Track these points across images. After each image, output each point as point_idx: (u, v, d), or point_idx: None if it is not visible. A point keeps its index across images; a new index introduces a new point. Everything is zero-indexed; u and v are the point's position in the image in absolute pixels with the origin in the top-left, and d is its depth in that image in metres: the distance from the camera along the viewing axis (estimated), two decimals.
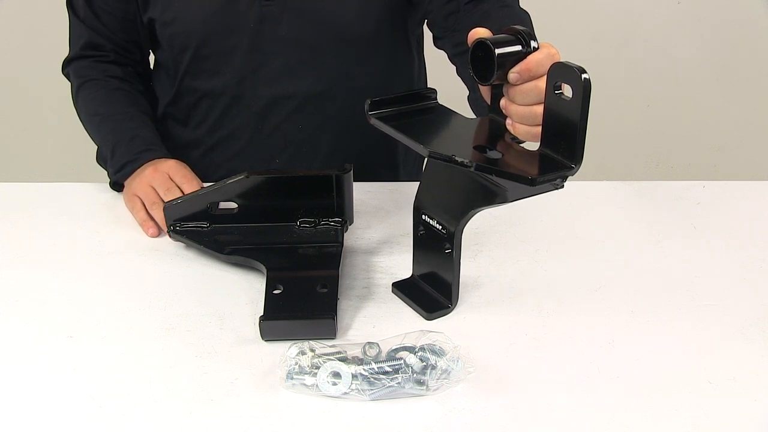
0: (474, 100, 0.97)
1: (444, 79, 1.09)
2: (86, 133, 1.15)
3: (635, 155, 2.48)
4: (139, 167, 1.04)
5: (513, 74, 0.72)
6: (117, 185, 1.07)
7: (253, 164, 1.17)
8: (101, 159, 1.14)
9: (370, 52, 1.12)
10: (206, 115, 1.17)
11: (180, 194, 0.97)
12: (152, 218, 0.98)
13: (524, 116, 0.73)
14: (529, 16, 1.01)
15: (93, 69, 1.15)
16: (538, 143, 0.72)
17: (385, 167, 1.24)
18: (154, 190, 0.99)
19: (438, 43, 1.11)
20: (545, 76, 0.69)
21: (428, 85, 1.27)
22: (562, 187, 0.70)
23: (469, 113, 0.87)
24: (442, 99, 0.82)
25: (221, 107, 1.14)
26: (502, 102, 0.76)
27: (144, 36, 1.15)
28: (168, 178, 1.01)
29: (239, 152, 1.18)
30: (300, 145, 1.16)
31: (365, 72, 1.13)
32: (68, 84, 1.20)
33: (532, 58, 0.72)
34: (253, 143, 1.16)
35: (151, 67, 1.23)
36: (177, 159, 1.05)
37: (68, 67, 1.18)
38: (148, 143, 1.07)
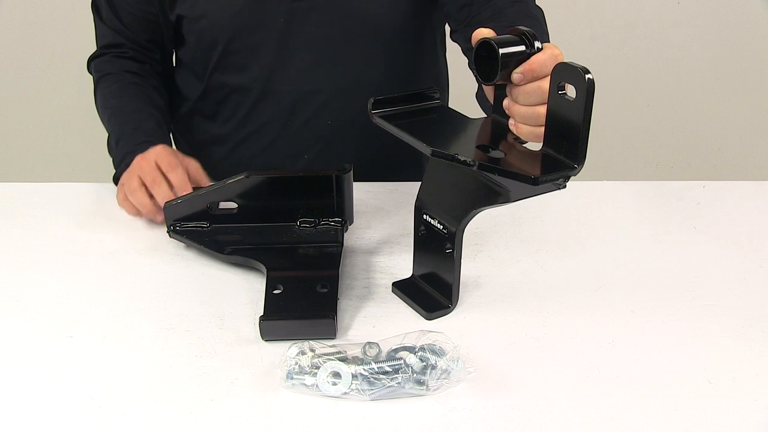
0: (481, 97, 0.97)
1: (466, 76, 1.08)
2: (101, 129, 1.16)
3: (635, 155, 2.48)
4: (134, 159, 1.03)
5: (516, 75, 0.72)
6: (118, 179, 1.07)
7: (282, 160, 1.17)
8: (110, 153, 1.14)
9: (397, 48, 1.12)
10: (235, 110, 1.17)
11: (166, 184, 0.97)
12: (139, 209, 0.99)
13: (527, 116, 0.73)
14: (542, 12, 1.01)
15: (111, 63, 1.16)
16: (541, 144, 0.72)
17: (412, 164, 1.24)
18: (140, 179, 0.99)
19: (453, 36, 1.11)
20: (548, 77, 0.69)
21: (450, 83, 1.27)
22: (564, 187, 0.70)
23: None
24: (463, 95, 0.82)
25: (250, 102, 1.15)
26: (505, 102, 0.76)
27: (167, 35, 1.16)
28: (155, 167, 0.99)
29: (267, 147, 1.17)
30: (329, 140, 1.16)
31: (392, 67, 1.13)
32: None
33: (535, 59, 0.72)
34: (282, 138, 1.16)
35: (174, 65, 1.23)
36: (165, 145, 1.04)
37: (90, 64, 1.20)
38: (147, 134, 1.06)
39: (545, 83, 0.70)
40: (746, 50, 2.32)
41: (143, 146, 1.04)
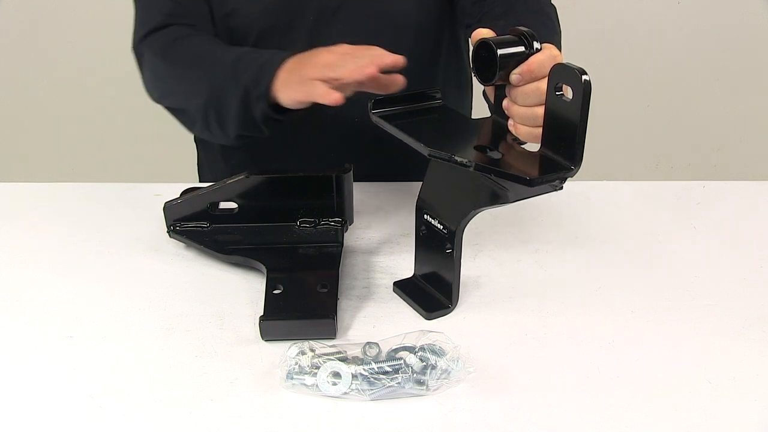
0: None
1: None
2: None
3: (635, 155, 2.48)
4: (282, 63, 0.87)
5: (515, 75, 0.72)
6: (253, 102, 0.90)
7: (308, 158, 1.13)
8: (213, 96, 0.94)
9: (422, 45, 1.11)
10: None
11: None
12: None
13: (526, 117, 0.73)
14: (554, 9, 1.00)
15: (183, 29, 1.03)
16: (540, 144, 0.72)
17: None
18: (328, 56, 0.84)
19: (467, 31, 1.10)
20: (547, 78, 0.69)
21: (473, 81, 1.26)
22: (561, 188, 0.70)
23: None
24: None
25: None
26: (505, 103, 0.76)
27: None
28: (344, 51, 0.85)
29: (293, 146, 1.12)
30: (355, 138, 1.11)
31: (417, 65, 1.12)
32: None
33: (533, 60, 0.72)
34: (307, 136, 1.12)
35: None
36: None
37: (145, 40, 1.04)
38: (276, 51, 0.92)
39: (543, 84, 0.70)
40: (746, 50, 2.32)
41: (281, 54, 0.89)
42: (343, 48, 0.85)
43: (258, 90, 0.88)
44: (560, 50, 0.84)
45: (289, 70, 0.86)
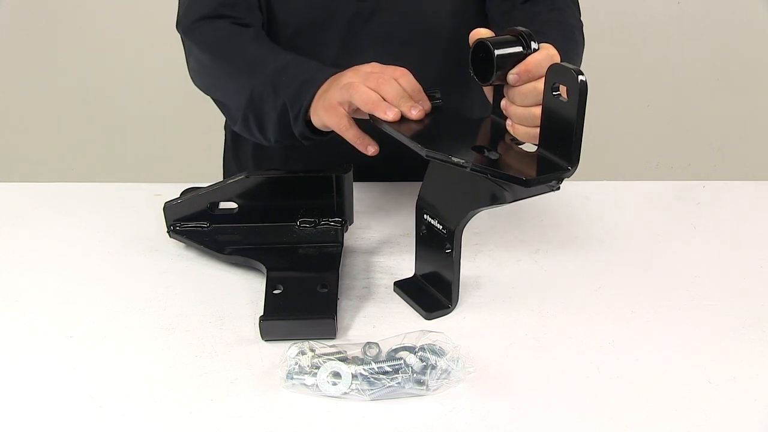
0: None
1: None
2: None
3: (635, 155, 2.48)
4: (321, 84, 0.86)
5: (512, 75, 0.72)
6: (288, 120, 0.90)
7: (341, 158, 1.12)
8: (252, 107, 0.94)
9: (454, 48, 1.10)
10: None
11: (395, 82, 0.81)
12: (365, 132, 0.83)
13: (523, 117, 0.73)
14: (579, 23, 1.00)
15: (233, 25, 1.02)
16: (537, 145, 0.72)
17: None
18: (364, 84, 0.81)
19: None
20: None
21: None
22: (558, 188, 0.70)
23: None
24: None
25: None
26: (503, 103, 0.76)
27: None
28: (372, 69, 0.83)
29: (327, 144, 1.06)
30: (387, 140, 1.12)
31: (448, 67, 1.11)
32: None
33: (531, 59, 0.72)
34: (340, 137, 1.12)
35: None
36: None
37: (195, 27, 1.02)
38: (319, 65, 0.92)
39: (541, 84, 0.69)
40: (746, 50, 2.32)
41: (324, 72, 0.88)
42: (372, 65, 0.84)
43: (295, 109, 0.88)
44: (580, 63, 0.83)
45: (321, 93, 0.85)
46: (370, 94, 0.79)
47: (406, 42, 1.08)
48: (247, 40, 1.00)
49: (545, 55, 0.72)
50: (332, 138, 0.89)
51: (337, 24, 1.06)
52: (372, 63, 0.84)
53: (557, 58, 0.72)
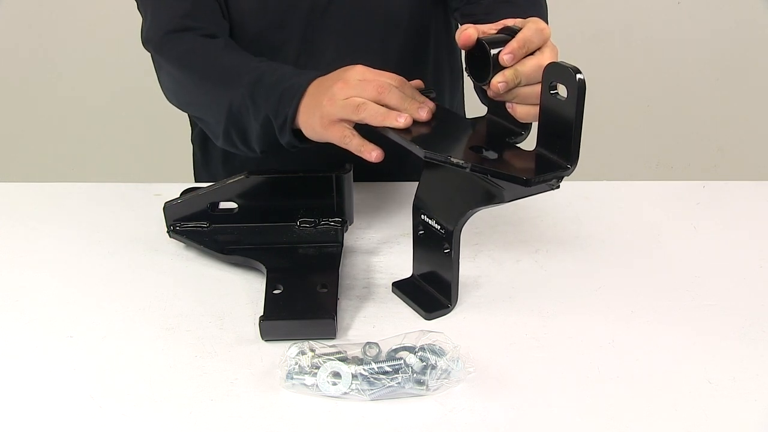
0: (480, 89, 0.97)
1: None
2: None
3: (635, 155, 2.48)
4: (304, 92, 0.84)
5: (506, 56, 0.72)
6: (276, 130, 0.87)
7: (308, 156, 1.11)
8: (232, 120, 0.92)
9: (415, 40, 1.10)
10: None
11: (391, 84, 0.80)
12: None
13: (526, 96, 0.73)
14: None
15: (199, 38, 0.99)
16: (536, 137, 0.72)
17: None
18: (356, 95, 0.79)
19: (453, 15, 1.09)
20: (540, 51, 0.69)
21: (464, 74, 1.26)
22: (558, 187, 0.70)
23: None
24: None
25: None
26: (502, 86, 0.73)
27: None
28: (363, 77, 0.81)
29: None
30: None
31: (410, 59, 1.11)
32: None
33: (520, 35, 0.72)
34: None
35: None
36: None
37: (163, 43, 0.99)
38: (294, 71, 0.90)
39: (541, 58, 0.70)
40: (746, 50, 2.32)
41: (304, 77, 0.86)
42: (361, 73, 0.81)
43: (279, 120, 0.86)
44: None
45: (310, 105, 0.83)
46: (380, 109, 0.78)
47: (366, 32, 1.06)
48: (217, 51, 0.97)
49: (534, 29, 0.72)
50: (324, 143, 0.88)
51: (295, 21, 1.05)
52: (357, 67, 0.82)
53: (547, 31, 0.73)
